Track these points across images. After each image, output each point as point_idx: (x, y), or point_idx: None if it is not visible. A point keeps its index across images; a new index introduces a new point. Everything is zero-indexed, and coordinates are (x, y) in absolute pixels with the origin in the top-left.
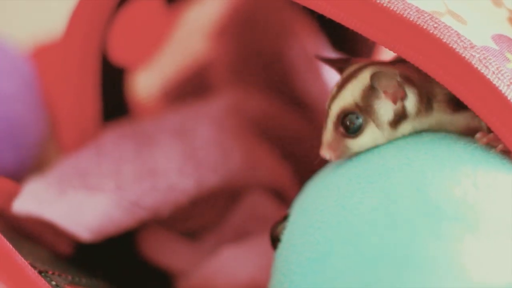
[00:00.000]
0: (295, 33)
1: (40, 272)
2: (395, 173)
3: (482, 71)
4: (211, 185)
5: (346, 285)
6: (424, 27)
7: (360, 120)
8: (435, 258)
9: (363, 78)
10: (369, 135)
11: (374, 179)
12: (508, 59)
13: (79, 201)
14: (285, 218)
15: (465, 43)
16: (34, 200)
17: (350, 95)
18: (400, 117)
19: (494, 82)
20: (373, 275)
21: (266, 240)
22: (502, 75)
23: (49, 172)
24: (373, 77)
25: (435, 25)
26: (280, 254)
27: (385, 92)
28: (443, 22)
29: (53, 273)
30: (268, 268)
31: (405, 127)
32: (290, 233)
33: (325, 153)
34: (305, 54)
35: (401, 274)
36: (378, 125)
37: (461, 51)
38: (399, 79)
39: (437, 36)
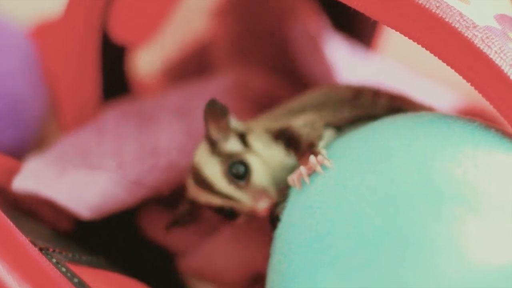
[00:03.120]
0: (297, 13)
1: (40, 250)
2: (395, 153)
3: (484, 50)
4: None
5: (346, 266)
6: (427, 6)
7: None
8: (435, 239)
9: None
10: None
11: (374, 159)
12: (510, 39)
13: (79, 179)
14: (285, 198)
15: (467, 22)
16: (34, 178)
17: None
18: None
19: (497, 62)
20: (373, 255)
21: (265, 221)
22: (504, 54)
23: (49, 150)
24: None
25: (438, 4)
26: (280, 234)
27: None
28: (445, 2)
29: (53, 251)
30: (267, 248)
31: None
32: (290, 213)
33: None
34: (306, 34)
35: (402, 255)
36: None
37: (463, 31)
38: None
39: (440, 15)
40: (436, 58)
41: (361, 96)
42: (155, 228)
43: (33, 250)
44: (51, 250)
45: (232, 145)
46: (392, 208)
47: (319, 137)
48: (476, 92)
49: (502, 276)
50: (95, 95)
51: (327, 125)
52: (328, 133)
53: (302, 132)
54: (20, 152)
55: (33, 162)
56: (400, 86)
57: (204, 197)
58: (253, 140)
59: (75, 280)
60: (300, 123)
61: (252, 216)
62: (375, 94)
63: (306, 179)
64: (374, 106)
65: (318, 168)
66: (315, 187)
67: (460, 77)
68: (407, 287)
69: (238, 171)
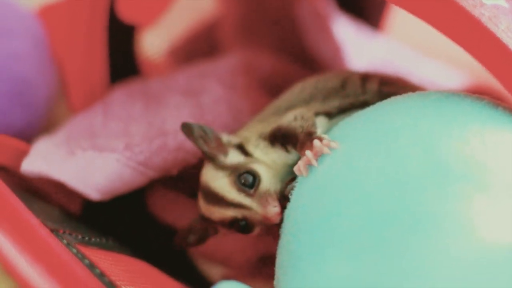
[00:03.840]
0: None
1: (51, 231)
2: (402, 133)
3: (491, 29)
4: None
5: (354, 246)
6: None
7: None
8: (444, 218)
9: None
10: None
11: (381, 139)
12: None
13: (87, 161)
14: (294, 178)
15: (474, 1)
16: (42, 160)
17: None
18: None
19: (504, 40)
20: (381, 235)
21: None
22: (511, 33)
23: (57, 132)
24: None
25: None
26: (289, 215)
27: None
28: None
29: (63, 232)
30: (275, 229)
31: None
32: (299, 193)
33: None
34: (314, 13)
35: (410, 234)
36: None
37: (470, 9)
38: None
39: None
40: (443, 37)
41: (349, 83)
42: (163, 209)
43: (45, 232)
44: (61, 231)
45: (234, 157)
46: (399, 188)
47: (313, 126)
48: (484, 70)
49: (510, 254)
50: (103, 76)
51: (317, 114)
52: (320, 120)
53: (294, 125)
54: (29, 134)
55: (41, 144)
56: (407, 66)
57: (218, 213)
58: (252, 149)
59: (86, 261)
60: (290, 118)
61: (267, 224)
62: (364, 80)
63: (315, 162)
64: (363, 93)
65: (326, 150)
66: (323, 168)
67: (467, 57)
68: (415, 266)
69: (247, 180)
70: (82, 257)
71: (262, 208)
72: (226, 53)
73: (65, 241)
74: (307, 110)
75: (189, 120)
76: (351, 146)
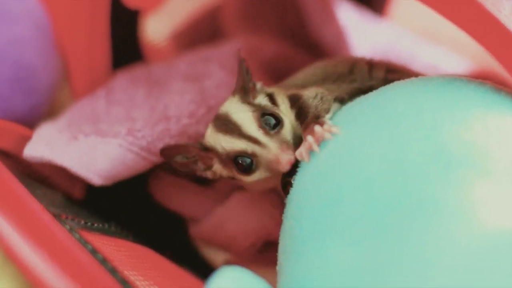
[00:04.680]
0: None
1: (53, 216)
2: (404, 118)
3: (495, 14)
4: None
5: (357, 231)
6: None
7: None
8: (445, 204)
9: None
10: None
11: (383, 124)
12: None
13: (90, 146)
14: (297, 163)
15: None
16: (45, 145)
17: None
18: None
19: (507, 25)
20: (383, 221)
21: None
22: None
23: (60, 117)
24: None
25: None
26: (291, 200)
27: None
28: None
29: (66, 217)
30: (278, 214)
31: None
32: (302, 179)
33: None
34: None
35: (412, 220)
36: None
37: None
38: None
39: None
40: (447, 23)
41: (357, 69)
42: (166, 195)
43: (48, 217)
44: (64, 217)
45: (262, 101)
46: (401, 174)
47: (327, 110)
48: (487, 56)
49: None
50: (106, 61)
51: (335, 99)
52: (335, 107)
53: (311, 103)
54: (31, 119)
55: (44, 129)
56: (410, 51)
57: (227, 143)
58: (280, 101)
59: (89, 247)
60: (311, 94)
61: (270, 170)
62: (371, 66)
63: (316, 148)
64: (370, 78)
65: (327, 135)
66: (326, 153)
67: (471, 42)
68: (416, 252)
69: (270, 122)
70: (84, 243)
71: (277, 149)
72: (229, 38)
73: (68, 227)
74: (328, 92)
75: (191, 105)
76: (353, 131)
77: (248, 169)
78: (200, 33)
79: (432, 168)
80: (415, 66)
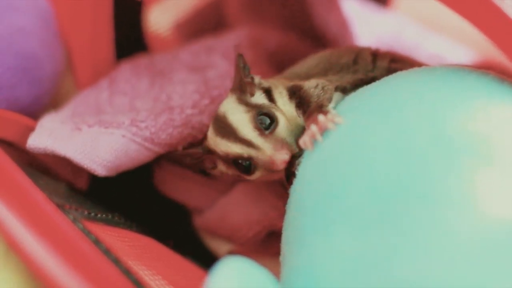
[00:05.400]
0: None
1: (57, 206)
2: (408, 106)
3: (497, 4)
4: None
5: (361, 220)
6: None
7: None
8: (448, 193)
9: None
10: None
11: (387, 113)
12: None
13: (93, 137)
14: (300, 153)
15: None
16: (48, 136)
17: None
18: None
19: (510, 16)
20: (386, 210)
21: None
22: None
23: (63, 108)
24: None
25: None
26: (295, 190)
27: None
28: None
29: (70, 207)
30: (281, 205)
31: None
32: (305, 168)
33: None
34: None
35: (415, 208)
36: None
37: None
38: None
39: None
40: (451, 13)
41: (361, 59)
42: (170, 185)
43: (51, 207)
44: (67, 207)
45: (259, 99)
46: (405, 162)
47: (329, 100)
48: (490, 46)
49: None
50: (110, 51)
51: (336, 88)
52: (336, 96)
53: (313, 93)
54: (35, 110)
55: (47, 120)
56: (415, 41)
57: (224, 146)
58: (277, 96)
59: (92, 237)
60: (312, 85)
61: (268, 170)
62: (375, 57)
63: (319, 138)
64: (373, 68)
65: (330, 125)
66: (329, 142)
67: (474, 32)
68: (419, 240)
69: (264, 121)
70: (88, 233)
71: (271, 151)
72: (232, 28)
73: (71, 217)
74: (329, 83)
75: (195, 96)
76: (356, 121)
77: (248, 170)
78: (204, 24)
79: (435, 156)
80: (419, 56)
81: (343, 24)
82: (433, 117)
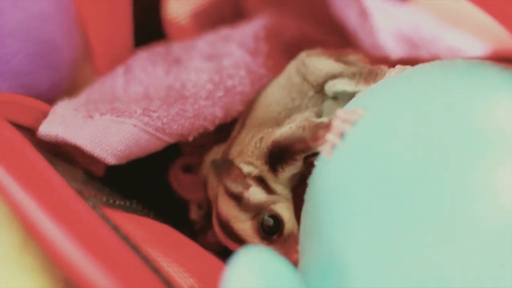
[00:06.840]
0: None
1: (76, 193)
2: (430, 100)
3: None
4: (238, 114)
5: (383, 213)
6: None
7: None
8: (470, 187)
9: None
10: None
11: (408, 107)
12: None
13: (104, 125)
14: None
15: None
16: (59, 123)
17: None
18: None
19: None
20: (409, 202)
21: None
22: None
23: (78, 95)
24: None
25: None
26: (314, 181)
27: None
28: None
29: (89, 194)
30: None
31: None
32: (324, 159)
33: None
34: None
35: (434, 201)
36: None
37: None
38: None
39: None
40: (469, 6)
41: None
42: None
43: (71, 193)
44: (86, 194)
45: (256, 194)
46: (427, 155)
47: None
48: (508, 41)
49: None
50: (128, 39)
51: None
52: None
53: (294, 136)
54: (53, 96)
55: (60, 107)
56: (433, 35)
57: (235, 248)
58: (272, 184)
59: (111, 224)
60: (284, 130)
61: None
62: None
63: (338, 142)
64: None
65: (347, 127)
66: (349, 135)
67: (493, 27)
68: (440, 234)
69: (270, 225)
70: (107, 220)
71: (283, 254)
72: (250, 18)
73: (90, 203)
74: (302, 118)
75: (208, 85)
76: (377, 113)
77: None
78: (222, 13)
79: (457, 150)
80: (438, 48)
81: (363, 16)
82: (455, 110)
